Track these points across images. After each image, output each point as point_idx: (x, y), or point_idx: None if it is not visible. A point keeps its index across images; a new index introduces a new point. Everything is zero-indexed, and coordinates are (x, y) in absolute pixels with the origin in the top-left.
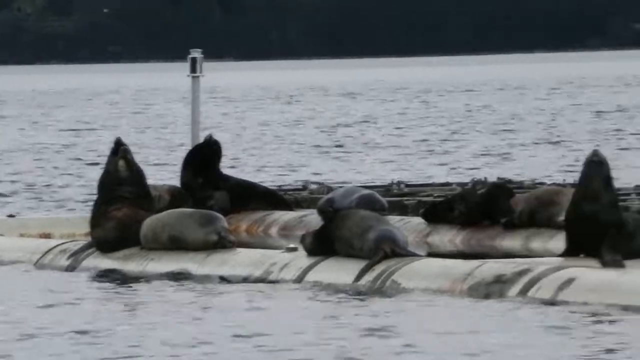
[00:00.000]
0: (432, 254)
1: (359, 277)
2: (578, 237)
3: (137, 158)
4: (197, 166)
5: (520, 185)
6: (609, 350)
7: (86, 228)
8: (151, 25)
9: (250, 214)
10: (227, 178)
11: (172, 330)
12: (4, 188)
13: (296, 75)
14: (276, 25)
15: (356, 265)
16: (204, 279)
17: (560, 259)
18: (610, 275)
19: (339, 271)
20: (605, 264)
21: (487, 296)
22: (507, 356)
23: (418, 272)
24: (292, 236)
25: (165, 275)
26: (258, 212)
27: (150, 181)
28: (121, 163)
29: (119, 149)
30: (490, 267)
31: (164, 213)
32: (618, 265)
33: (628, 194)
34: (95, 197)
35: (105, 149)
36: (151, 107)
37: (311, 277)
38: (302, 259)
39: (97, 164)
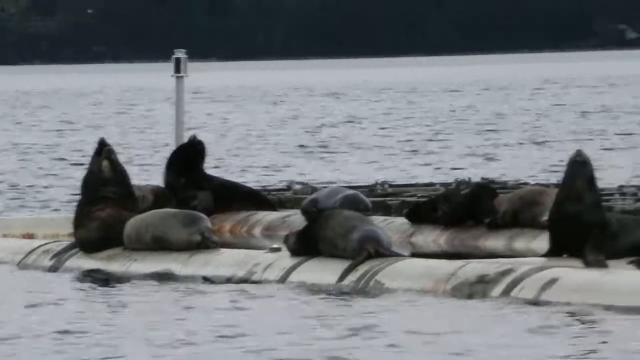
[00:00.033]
0: (416, 254)
1: (342, 277)
2: (561, 237)
3: (121, 158)
4: (181, 166)
5: (504, 186)
6: (592, 350)
7: (70, 228)
8: (135, 25)
9: (234, 214)
10: (211, 178)
11: (155, 330)
12: None
13: (280, 76)
14: (260, 26)
15: (340, 266)
16: (188, 279)
17: (543, 259)
18: (593, 275)
19: (323, 271)
20: (588, 264)
21: (470, 296)
22: (490, 356)
23: (402, 272)
24: (275, 236)
25: (148, 275)
26: (242, 212)
27: (134, 181)
28: (105, 163)
29: (103, 149)
30: (474, 267)
31: (147, 213)
32: (601, 265)
33: (611, 194)
34: (78, 197)
35: (89, 149)
36: (135, 108)
37: (295, 277)
38: (285, 259)
39: (81, 164)
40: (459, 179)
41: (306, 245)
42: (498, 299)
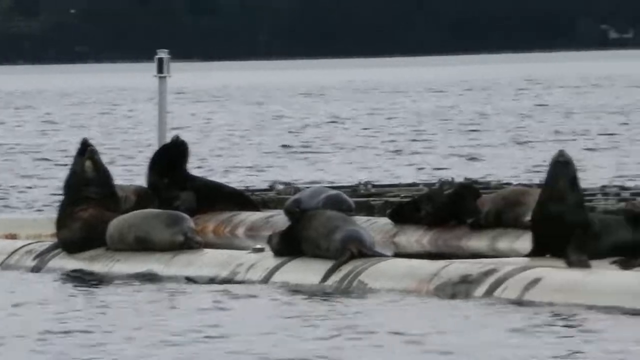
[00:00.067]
0: (399, 254)
1: (325, 277)
2: (544, 237)
3: (104, 159)
4: (164, 167)
5: (487, 186)
6: (575, 351)
7: (52, 229)
8: (118, 25)
9: (217, 214)
10: (194, 178)
11: (138, 331)
12: None
13: (264, 76)
14: (244, 26)
15: (323, 266)
16: (171, 279)
17: (526, 259)
18: (576, 275)
19: (306, 272)
20: (571, 264)
21: (453, 296)
22: (473, 356)
23: (385, 272)
24: (259, 237)
25: (131, 276)
26: (225, 212)
27: (117, 182)
28: (88, 164)
29: (86, 150)
30: (457, 267)
31: (130, 214)
32: (584, 265)
33: (594, 195)
34: (61, 197)
35: (72, 149)
36: (118, 108)
37: (278, 277)
38: (268, 259)
39: (64, 164)
40: (442, 179)
41: (289, 245)
42: (481, 299)
